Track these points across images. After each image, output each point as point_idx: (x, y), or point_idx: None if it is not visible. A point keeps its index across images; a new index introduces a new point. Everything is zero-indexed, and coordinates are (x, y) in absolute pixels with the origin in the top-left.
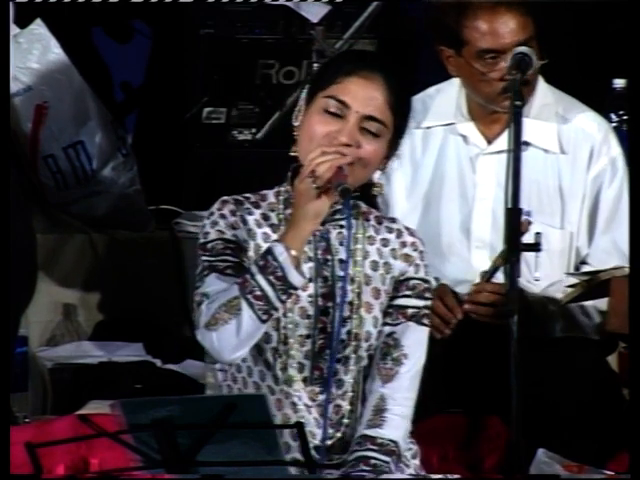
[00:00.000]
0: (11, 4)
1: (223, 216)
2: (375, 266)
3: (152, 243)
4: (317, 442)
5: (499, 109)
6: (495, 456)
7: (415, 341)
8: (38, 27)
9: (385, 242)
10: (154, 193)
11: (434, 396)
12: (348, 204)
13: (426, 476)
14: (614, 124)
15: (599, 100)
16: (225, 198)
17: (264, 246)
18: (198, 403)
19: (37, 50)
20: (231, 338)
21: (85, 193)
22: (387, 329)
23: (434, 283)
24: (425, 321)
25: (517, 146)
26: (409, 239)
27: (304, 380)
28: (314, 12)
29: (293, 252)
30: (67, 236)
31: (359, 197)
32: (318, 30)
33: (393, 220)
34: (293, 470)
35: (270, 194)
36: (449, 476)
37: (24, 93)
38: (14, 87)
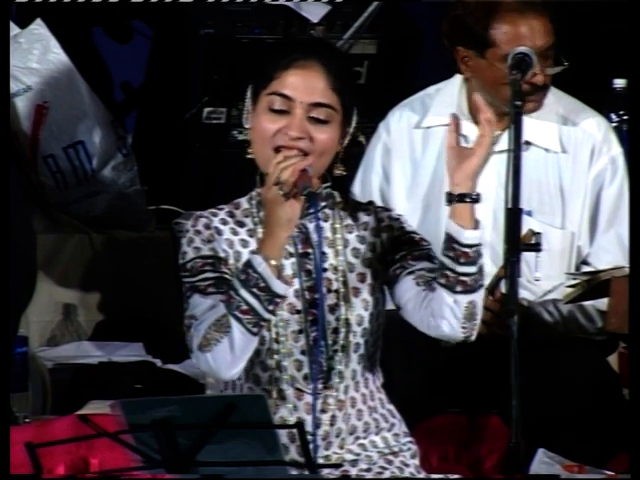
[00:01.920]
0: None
1: (198, 232)
2: (357, 253)
3: (152, 243)
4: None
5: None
6: (495, 456)
7: None
8: (38, 27)
9: (365, 225)
10: (154, 193)
11: (434, 396)
12: (315, 206)
13: (427, 476)
14: (614, 124)
15: (599, 100)
16: (198, 213)
17: (243, 252)
18: (198, 403)
19: (37, 50)
20: (226, 356)
21: (85, 193)
22: (409, 272)
23: None
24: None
25: (517, 146)
26: (384, 214)
27: (305, 378)
28: (314, 12)
29: (272, 262)
30: (67, 236)
31: (332, 187)
32: (318, 30)
33: (369, 203)
34: (293, 470)
35: (243, 201)
36: (450, 476)
37: (24, 93)
38: (14, 87)
